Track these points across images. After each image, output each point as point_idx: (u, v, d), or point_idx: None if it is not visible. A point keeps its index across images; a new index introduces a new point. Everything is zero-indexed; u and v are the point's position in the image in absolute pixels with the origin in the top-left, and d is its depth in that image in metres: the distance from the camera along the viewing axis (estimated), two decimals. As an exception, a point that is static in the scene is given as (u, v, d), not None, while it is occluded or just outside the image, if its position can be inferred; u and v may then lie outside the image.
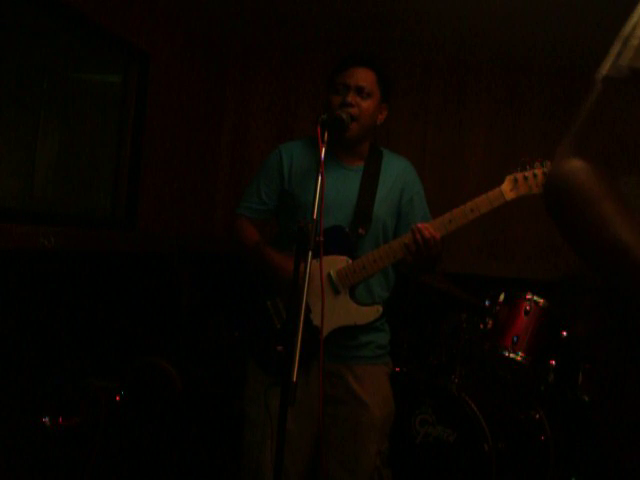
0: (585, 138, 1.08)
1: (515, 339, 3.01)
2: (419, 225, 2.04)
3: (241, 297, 2.30)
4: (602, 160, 1.04)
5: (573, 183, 1.05)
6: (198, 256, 3.90)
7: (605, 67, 1.06)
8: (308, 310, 2.07)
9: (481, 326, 3.12)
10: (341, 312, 2.12)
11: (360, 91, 2.16)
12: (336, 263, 2.13)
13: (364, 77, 2.18)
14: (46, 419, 2.56)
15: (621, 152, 1.07)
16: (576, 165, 1.05)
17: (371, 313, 2.15)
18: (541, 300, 3.06)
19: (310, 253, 1.72)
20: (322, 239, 1.83)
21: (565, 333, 3.15)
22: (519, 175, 2.06)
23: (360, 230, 2.17)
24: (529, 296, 3.06)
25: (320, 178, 1.82)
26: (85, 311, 3.13)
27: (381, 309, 2.16)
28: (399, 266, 2.29)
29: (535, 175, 2.04)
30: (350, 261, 2.13)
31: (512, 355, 3.00)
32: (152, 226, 3.74)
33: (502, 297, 3.14)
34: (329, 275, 2.12)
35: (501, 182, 2.08)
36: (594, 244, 1.03)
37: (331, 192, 2.11)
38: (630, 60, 1.02)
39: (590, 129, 1.07)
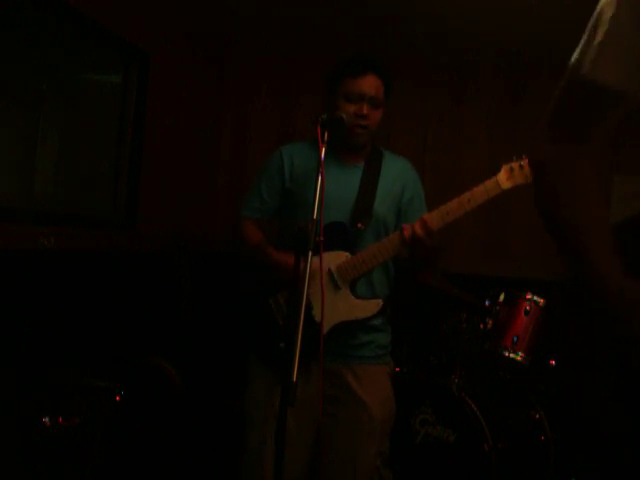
0: (557, 120, 1.12)
1: (515, 339, 3.01)
2: (404, 225, 2.06)
3: (242, 296, 2.30)
4: (575, 139, 1.09)
5: (543, 171, 1.11)
6: (198, 256, 3.90)
7: (574, 55, 1.07)
8: (309, 307, 2.07)
9: (481, 326, 3.12)
10: (342, 307, 2.12)
11: (373, 102, 2.17)
12: (336, 258, 2.13)
13: (376, 86, 2.18)
14: (46, 419, 2.55)
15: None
16: (547, 151, 1.11)
17: (372, 306, 2.15)
18: (541, 300, 3.06)
19: (310, 253, 1.72)
20: (322, 239, 1.83)
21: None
22: (515, 164, 2.06)
23: (359, 225, 2.17)
24: (529, 296, 3.06)
25: (320, 178, 1.83)
26: (85, 311, 3.13)
27: (382, 302, 2.16)
28: (399, 263, 2.29)
29: None
30: (350, 256, 2.13)
31: (512, 355, 3.00)
32: (152, 226, 3.74)
33: (502, 297, 3.14)
34: (329, 270, 2.12)
35: (498, 172, 2.09)
36: (556, 225, 1.11)
37: (331, 188, 2.11)
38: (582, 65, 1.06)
39: (561, 112, 1.11)
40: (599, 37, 1.02)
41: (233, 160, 4.44)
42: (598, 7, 1.05)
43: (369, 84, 2.17)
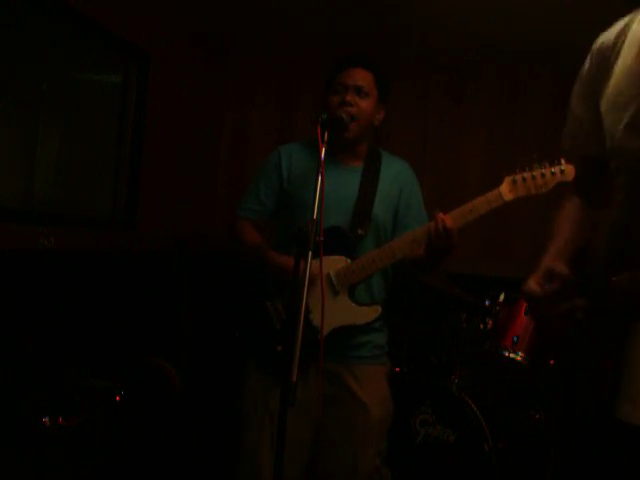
0: (575, 184, 1.66)
1: (515, 339, 3.01)
2: (441, 215, 2.03)
3: (241, 297, 2.30)
4: (589, 197, 1.54)
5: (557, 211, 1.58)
6: (198, 256, 3.89)
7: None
8: (308, 310, 2.06)
9: (481, 326, 3.11)
10: (340, 312, 2.12)
11: (359, 91, 2.18)
12: (335, 263, 2.13)
13: (362, 77, 2.19)
14: (46, 419, 2.56)
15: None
16: (568, 198, 1.58)
17: (370, 313, 2.15)
18: (541, 300, 3.05)
19: (310, 253, 1.72)
20: (322, 239, 1.83)
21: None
22: (518, 176, 2.06)
23: (360, 231, 2.17)
24: (529, 296, 3.06)
25: (320, 178, 1.83)
26: (85, 311, 3.13)
27: (380, 309, 2.15)
28: (400, 267, 2.28)
29: (534, 177, 2.03)
30: (349, 261, 2.13)
31: (512, 355, 2.99)
32: (152, 226, 3.74)
33: (502, 297, 3.14)
34: (328, 275, 2.12)
35: (500, 183, 2.09)
36: None
37: (330, 190, 2.10)
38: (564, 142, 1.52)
39: (577, 181, 1.67)
40: (568, 118, 1.48)
41: (232, 160, 4.44)
42: None
43: (354, 75, 2.19)
